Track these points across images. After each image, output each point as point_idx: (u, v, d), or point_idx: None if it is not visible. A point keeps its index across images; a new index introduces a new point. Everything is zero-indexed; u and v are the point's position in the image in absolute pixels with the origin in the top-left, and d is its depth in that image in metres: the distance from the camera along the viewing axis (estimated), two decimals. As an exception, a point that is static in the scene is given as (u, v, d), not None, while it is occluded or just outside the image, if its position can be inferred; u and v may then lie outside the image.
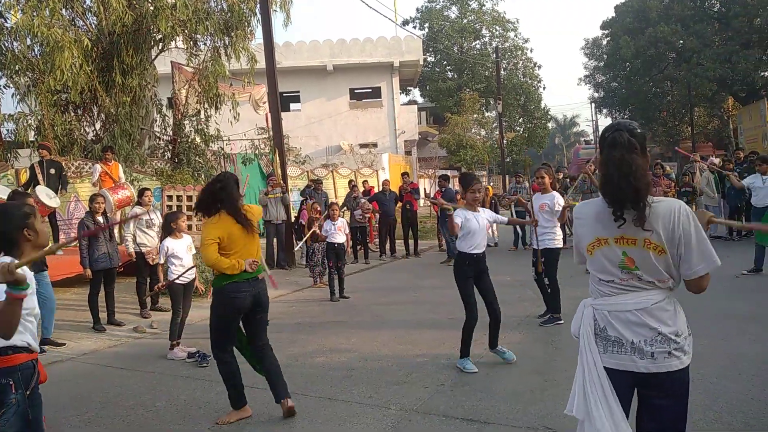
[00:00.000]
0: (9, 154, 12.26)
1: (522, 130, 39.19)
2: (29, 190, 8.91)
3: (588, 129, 62.51)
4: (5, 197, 7.44)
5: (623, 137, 2.34)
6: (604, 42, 43.03)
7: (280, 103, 13.34)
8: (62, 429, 4.43)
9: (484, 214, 5.55)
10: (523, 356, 5.63)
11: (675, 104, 39.31)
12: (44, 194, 8.59)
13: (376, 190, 15.96)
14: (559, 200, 6.89)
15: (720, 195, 12.96)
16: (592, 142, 50.61)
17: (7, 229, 2.56)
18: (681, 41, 34.21)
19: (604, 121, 54.35)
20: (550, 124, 45.13)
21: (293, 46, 29.92)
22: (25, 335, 2.58)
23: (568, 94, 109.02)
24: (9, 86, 12.59)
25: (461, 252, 5.42)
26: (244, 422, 4.39)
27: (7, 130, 12.78)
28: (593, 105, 50.13)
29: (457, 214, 5.37)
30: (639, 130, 2.40)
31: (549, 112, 41.44)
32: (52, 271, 7.01)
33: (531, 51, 41.60)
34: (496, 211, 15.55)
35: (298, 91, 31.16)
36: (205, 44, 14.14)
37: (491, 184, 24.66)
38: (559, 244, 6.99)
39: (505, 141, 30.19)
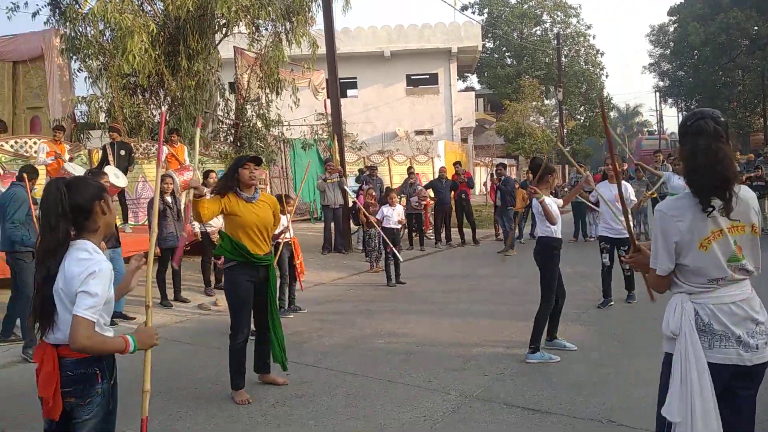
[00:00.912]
0: (82, 135, 12.82)
1: (583, 118, 38.24)
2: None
3: (651, 119, 60.49)
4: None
5: (709, 125, 2.30)
6: (671, 29, 41.42)
7: (339, 88, 13.41)
8: (134, 399, 4.63)
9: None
10: (585, 348, 5.55)
11: (746, 94, 37.53)
12: (112, 174, 8.95)
13: (422, 178, 15.83)
14: (630, 189, 7.16)
15: (796, 190, 12.38)
16: (656, 132, 48.94)
17: (85, 199, 2.44)
18: (756, 27, 32.57)
19: (669, 111, 52.48)
20: (612, 114, 43.85)
21: (351, 32, 29.98)
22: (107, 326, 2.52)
23: (631, 82, 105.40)
24: (82, 70, 13.13)
25: (553, 237, 5.39)
26: (307, 399, 4.49)
27: (80, 112, 13.36)
28: (658, 94, 48.38)
29: (549, 203, 5.41)
30: (722, 119, 2.36)
31: (611, 101, 40.28)
32: (122, 248, 7.29)
33: (594, 38, 40.47)
34: None
35: (356, 77, 31.25)
36: (266, 30, 14.33)
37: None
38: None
39: (565, 130, 29.56)
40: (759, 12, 31.79)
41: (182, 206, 8.24)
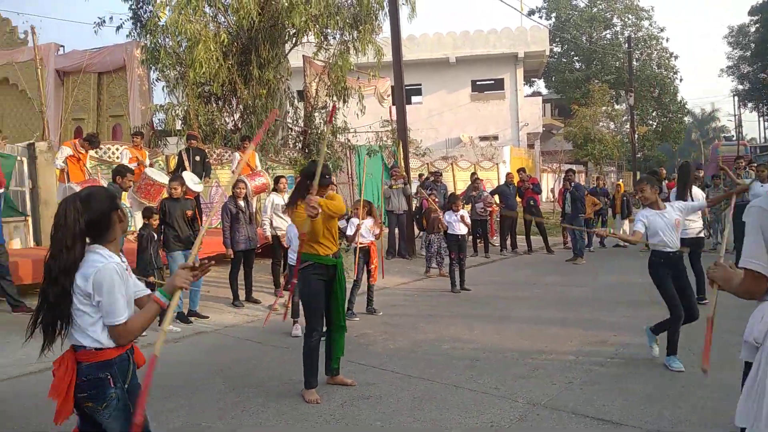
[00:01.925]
0: (159, 142, 13.44)
1: (655, 124, 36.96)
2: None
3: (729, 124, 57.69)
4: (166, 181, 8.21)
5: None
6: (752, 29, 39.47)
7: (404, 96, 13.52)
8: (208, 394, 4.83)
9: (673, 210, 5.33)
10: (659, 359, 5.38)
11: (835, 97, 35.32)
12: (189, 180, 9.36)
13: (486, 184, 15.62)
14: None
15: None
16: (733, 138, 46.67)
17: (102, 213, 2.45)
18: None
19: (749, 116, 49.90)
20: (686, 119, 42.15)
21: (416, 38, 30.09)
22: None
23: (707, 86, 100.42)
24: (160, 79, 13.78)
25: (654, 250, 5.30)
26: (374, 401, 4.57)
27: (158, 120, 14.02)
28: (736, 98, 46.18)
29: (638, 218, 5.30)
30: None
31: (685, 106, 38.73)
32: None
33: (667, 41, 39.02)
34: (629, 210, 14.81)
35: (420, 84, 31.34)
36: (334, 38, 14.61)
37: (621, 180, 23.44)
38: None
39: (636, 135, 28.64)
40: None
41: (254, 210, 8.51)
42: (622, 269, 10.71)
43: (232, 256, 7.87)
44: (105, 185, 7.80)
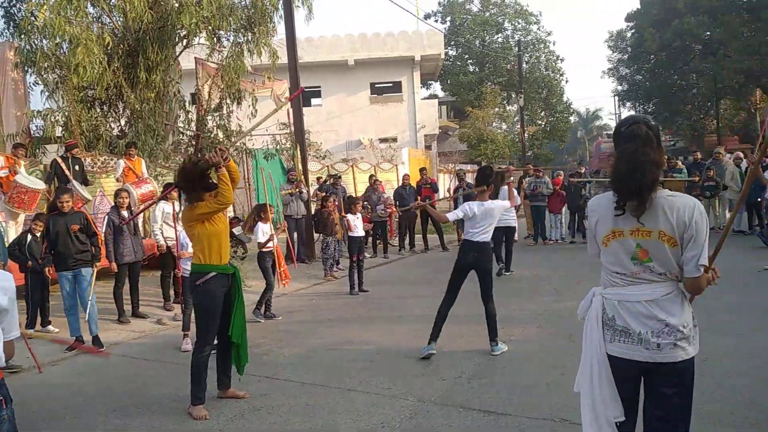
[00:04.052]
0: (38, 150, 12.55)
1: (544, 123, 38.92)
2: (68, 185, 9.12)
3: (611, 122, 61.69)
4: (39, 187, 7.71)
5: (641, 130, 2.39)
6: (629, 34, 42.38)
7: (301, 98, 13.44)
8: (90, 418, 4.58)
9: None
10: (540, 350, 5.68)
11: (700, 97, 38.63)
12: (80, 188, 8.97)
13: (385, 185, 15.90)
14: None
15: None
16: (616, 135, 49.83)
17: None
18: (708, 33, 33.56)
19: (628, 115, 53.35)
20: (572, 118, 44.69)
21: (315, 41, 30.01)
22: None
23: (591, 87, 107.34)
24: (38, 83, 12.90)
25: None
26: (265, 412, 4.50)
27: (36, 126, 13.09)
28: (616, 98, 49.48)
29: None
30: (654, 123, 2.47)
31: (571, 106, 41.09)
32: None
33: (554, 44, 41.20)
34: None
35: (319, 86, 31.27)
36: (228, 40, 14.28)
37: (511, 179, 24.34)
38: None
39: (526, 135, 30.03)
40: (711, 18, 32.74)
41: (140, 221, 8.13)
42: (520, 262, 11.09)
43: (116, 270, 7.45)
44: None
